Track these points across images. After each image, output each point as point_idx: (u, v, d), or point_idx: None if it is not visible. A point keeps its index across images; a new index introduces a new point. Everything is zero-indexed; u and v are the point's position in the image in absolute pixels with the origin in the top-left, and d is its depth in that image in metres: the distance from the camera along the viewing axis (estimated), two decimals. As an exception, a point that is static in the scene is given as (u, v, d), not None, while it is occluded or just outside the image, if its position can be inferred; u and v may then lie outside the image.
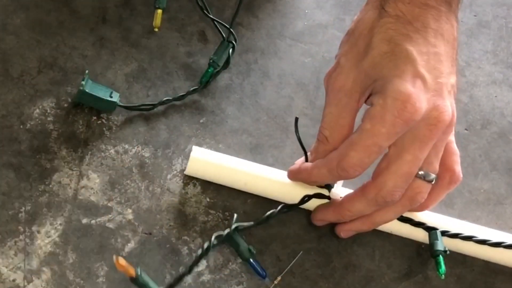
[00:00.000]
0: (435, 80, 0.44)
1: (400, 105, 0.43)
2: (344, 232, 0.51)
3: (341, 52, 0.48)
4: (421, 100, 0.43)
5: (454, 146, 0.49)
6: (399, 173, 0.45)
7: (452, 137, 0.49)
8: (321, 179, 0.49)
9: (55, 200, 0.51)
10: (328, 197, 0.51)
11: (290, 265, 0.52)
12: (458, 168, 0.49)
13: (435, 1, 0.46)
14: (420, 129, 0.44)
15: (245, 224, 0.48)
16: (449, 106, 0.45)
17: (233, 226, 0.48)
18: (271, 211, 0.50)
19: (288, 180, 0.52)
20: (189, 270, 0.47)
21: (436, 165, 0.47)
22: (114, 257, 0.44)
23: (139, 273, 0.44)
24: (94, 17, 0.59)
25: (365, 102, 0.47)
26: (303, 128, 0.57)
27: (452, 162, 0.49)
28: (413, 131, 0.44)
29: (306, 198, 0.51)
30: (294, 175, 0.51)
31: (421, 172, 0.46)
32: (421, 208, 0.50)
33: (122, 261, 0.43)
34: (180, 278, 0.47)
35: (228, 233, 0.48)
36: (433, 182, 0.47)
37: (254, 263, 0.49)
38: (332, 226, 0.53)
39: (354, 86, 0.46)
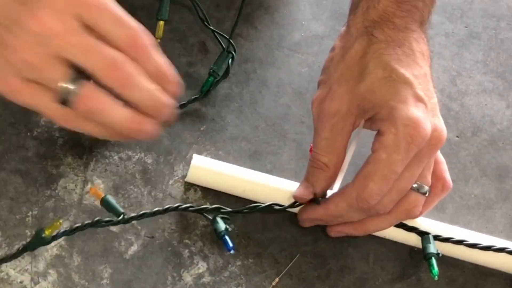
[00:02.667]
0: (429, 101, 0.46)
1: (412, 131, 0.44)
2: (335, 233, 0.52)
3: (333, 78, 0.48)
4: (427, 121, 0.45)
5: (440, 155, 0.51)
6: (397, 189, 0.46)
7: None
8: (339, 213, 0.49)
9: (61, 205, 0.53)
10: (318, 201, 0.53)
11: (288, 267, 0.53)
12: (447, 176, 0.51)
13: (413, 24, 0.47)
14: (422, 151, 0.45)
15: (228, 209, 0.52)
16: (442, 124, 0.47)
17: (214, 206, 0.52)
18: (255, 204, 0.52)
19: (284, 187, 0.54)
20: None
21: (429, 178, 0.48)
22: (89, 187, 0.50)
23: (106, 197, 0.49)
24: (98, 28, 0.61)
25: (366, 125, 0.48)
26: (300, 135, 0.59)
27: (442, 171, 0.50)
28: (417, 153, 0.45)
29: (296, 203, 0.52)
30: (310, 218, 0.51)
31: (415, 185, 0.47)
32: (412, 218, 0.52)
33: (92, 189, 0.50)
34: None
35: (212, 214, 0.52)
36: (426, 194, 0.48)
37: (226, 239, 0.51)
38: (328, 227, 0.54)
39: (350, 109, 0.47)
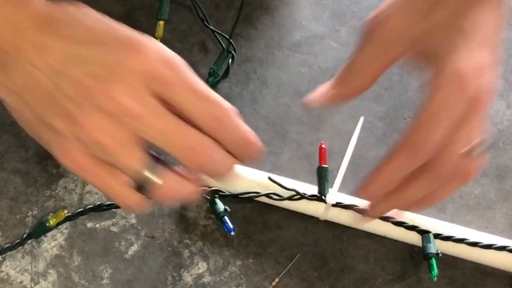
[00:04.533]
0: (486, 57, 0.44)
1: (461, 83, 0.43)
2: (377, 210, 0.47)
3: (391, 10, 0.45)
4: (474, 76, 0.43)
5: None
6: (458, 149, 0.43)
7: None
8: (401, 169, 0.44)
9: (61, 205, 0.53)
10: (320, 198, 0.53)
11: (288, 267, 0.54)
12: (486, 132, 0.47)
13: None
14: (471, 106, 0.44)
15: (226, 192, 0.52)
16: (492, 85, 0.45)
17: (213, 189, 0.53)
18: (254, 191, 0.52)
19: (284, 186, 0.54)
20: None
21: (480, 137, 0.45)
22: None
23: None
24: (98, 28, 0.61)
25: (413, 61, 0.45)
26: (300, 135, 0.59)
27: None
28: (465, 109, 0.43)
29: (295, 195, 0.52)
30: (375, 184, 0.45)
31: (469, 147, 0.44)
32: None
33: None
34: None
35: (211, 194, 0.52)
36: (482, 152, 0.45)
37: (225, 220, 0.51)
38: (328, 228, 0.54)
39: (400, 46, 0.44)
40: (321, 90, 0.46)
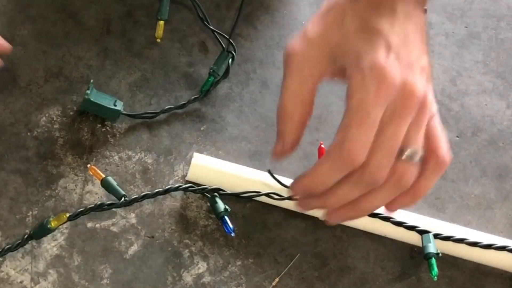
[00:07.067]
0: (407, 56, 0.44)
1: (379, 72, 0.42)
2: (333, 217, 0.48)
3: (308, 27, 0.47)
4: (396, 70, 0.43)
5: (440, 127, 0.46)
6: (382, 149, 0.43)
7: (436, 122, 0.46)
8: (326, 176, 0.45)
9: (61, 205, 0.53)
10: None
11: (288, 267, 0.54)
12: (442, 150, 0.46)
13: None
14: (396, 103, 0.43)
15: (227, 191, 0.53)
16: (419, 82, 0.44)
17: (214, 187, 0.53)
18: (255, 190, 0.53)
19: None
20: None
21: (419, 141, 0.45)
22: (88, 165, 0.51)
23: (107, 178, 0.51)
24: (98, 28, 0.61)
25: (336, 76, 0.46)
26: (300, 135, 0.59)
27: (436, 144, 0.46)
28: (390, 105, 0.43)
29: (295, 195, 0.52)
30: (297, 187, 0.47)
31: (407, 153, 0.44)
32: (412, 197, 0.47)
33: (92, 168, 0.51)
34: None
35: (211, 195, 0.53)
36: (417, 161, 0.44)
37: (225, 220, 0.51)
38: (328, 228, 0.54)
39: (321, 56, 0.45)
40: (273, 151, 0.47)
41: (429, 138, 0.45)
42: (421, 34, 0.46)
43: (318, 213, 0.54)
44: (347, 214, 0.47)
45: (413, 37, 0.46)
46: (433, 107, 0.45)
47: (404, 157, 0.44)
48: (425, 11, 0.48)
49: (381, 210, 0.47)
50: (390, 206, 0.47)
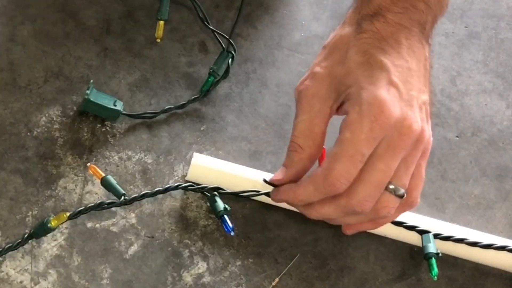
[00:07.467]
0: (407, 92, 0.45)
1: (376, 110, 0.43)
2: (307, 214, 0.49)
3: (315, 62, 0.48)
4: (396, 106, 0.44)
5: (423, 171, 0.47)
6: (371, 182, 0.44)
7: (423, 163, 0.47)
8: (308, 197, 0.47)
9: (61, 205, 0.53)
10: None
11: (288, 267, 0.54)
12: (416, 194, 0.47)
13: (408, 22, 0.46)
14: (392, 138, 0.44)
15: (227, 190, 0.53)
16: (418, 118, 0.45)
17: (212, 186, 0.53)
18: (254, 189, 0.53)
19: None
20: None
21: (406, 181, 0.46)
22: (88, 164, 0.52)
23: (106, 176, 0.50)
24: (98, 29, 0.61)
25: (338, 111, 0.47)
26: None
27: (414, 187, 0.47)
28: (385, 139, 0.44)
29: None
30: (279, 196, 0.49)
31: (391, 186, 0.45)
32: (374, 225, 0.49)
33: (92, 167, 0.51)
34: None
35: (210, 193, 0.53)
36: (402, 197, 0.46)
37: (225, 219, 0.51)
38: (328, 228, 0.54)
39: (328, 92, 0.46)
40: (273, 177, 0.49)
41: (412, 176, 0.46)
42: (424, 70, 0.47)
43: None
44: (327, 217, 0.48)
45: (415, 73, 0.46)
46: (429, 143, 0.46)
47: (389, 189, 0.45)
48: (429, 44, 0.48)
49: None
50: (348, 229, 0.49)
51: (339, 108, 0.47)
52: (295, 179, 0.47)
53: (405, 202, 0.46)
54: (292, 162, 0.47)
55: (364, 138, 0.43)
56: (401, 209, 0.47)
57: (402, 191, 0.46)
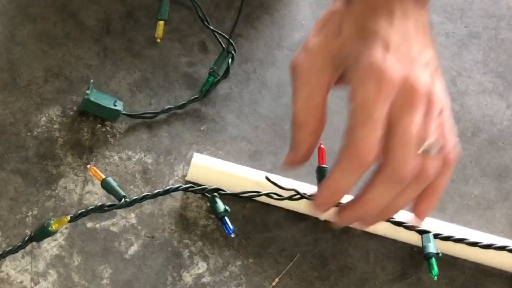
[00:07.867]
0: (406, 53, 0.44)
1: (376, 74, 0.43)
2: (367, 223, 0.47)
3: (309, 36, 0.48)
4: (395, 67, 0.43)
5: (450, 122, 0.46)
6: (400, 143, 0.43)
7: (446, 122, 0.46)
8: (344, 181, 0.44)
9: (61, 205, 0.53)
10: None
11: (288, 267, 0.54)
12: (448, 150, 0.45)
13: None
14: (400, 100, 0.43)
15: (227, 191, 0.53)
16: (421, 77, 0.44)
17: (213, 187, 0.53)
18: (254, 190, 0.53)
19: (285, 186, 0.54)
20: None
21: (432, 136, 0.44)
22: (88, 166, 0.52)
23: (107, 178, 0.50)
24: (98, 28, 0.61)
25: (337, 84, 0.47)
26: (300, 135, 0.59)
27: (446, 140, 0.45)
28: (396, 103, 0.43)
29: (294, 195, 0.52)
30: (320, 198, 0.46)
31: (422, 148, 0.43)
32: (435, 194, 0.46)
33: (92, 168, 0.50)
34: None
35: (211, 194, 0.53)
36: (435, 153, 0.44)
37: (225, 220, 0.51)
38: (328, 228, 0.54)
39: (324, 65, 0.46)
40: (285, 160, 0.47)
41: (440, 133, 0.45)
42: (423, 30, 0.46)
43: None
44: (376, 218, 0.46)
45: (414, 33, 0.45)
46: (442, 99, 0.45)
47: (420, 151, 0.43)
48: (427, 10, 0.48)
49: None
50: (420, 214, 0.46)
51: (337, 82, 0.46)
52: (304, 159, 0.46)
53: (444, 157, 0.45)
54: (298, 141, 0.46)
55: (373, 99, 0.43)
56: (444, 171, 0.45)
57: (435, 148, 0.44)
